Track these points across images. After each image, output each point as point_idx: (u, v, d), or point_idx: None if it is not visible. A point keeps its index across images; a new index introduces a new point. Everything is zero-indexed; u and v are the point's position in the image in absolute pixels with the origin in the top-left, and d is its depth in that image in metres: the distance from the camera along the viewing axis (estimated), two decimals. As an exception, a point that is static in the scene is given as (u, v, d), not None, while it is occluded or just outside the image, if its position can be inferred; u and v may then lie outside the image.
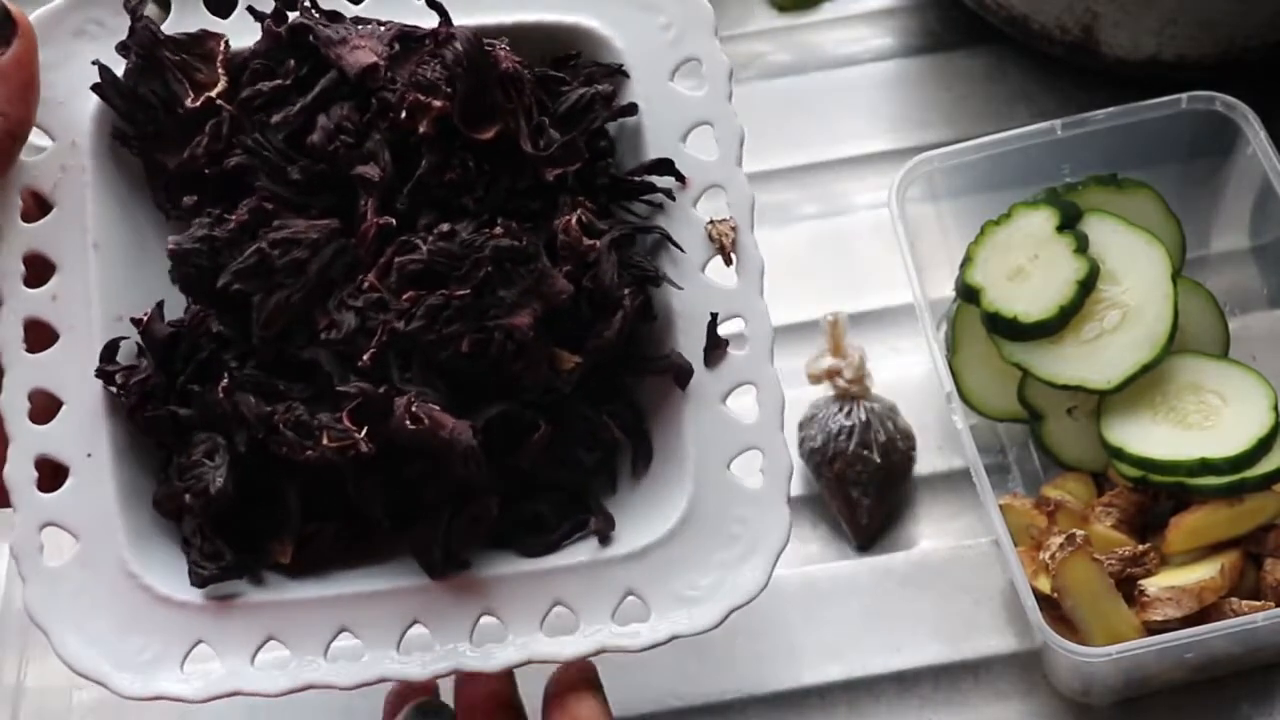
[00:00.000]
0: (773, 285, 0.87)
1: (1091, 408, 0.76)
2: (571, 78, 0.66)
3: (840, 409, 0.79)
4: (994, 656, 0.75)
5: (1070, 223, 0.77)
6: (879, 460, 0.78)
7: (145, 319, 0.62)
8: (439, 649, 0.60)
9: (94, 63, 0.64)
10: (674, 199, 0.65)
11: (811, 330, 0.82)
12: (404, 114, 0.62)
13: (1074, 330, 0.76)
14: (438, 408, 0.59)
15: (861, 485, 0.78)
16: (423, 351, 0.60)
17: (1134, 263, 0.76)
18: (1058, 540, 0.71)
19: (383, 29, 0.64)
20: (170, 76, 0.64)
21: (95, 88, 0.64)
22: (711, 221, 0.65)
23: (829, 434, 0.78)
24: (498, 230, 0.61)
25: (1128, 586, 0.71)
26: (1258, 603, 0.70)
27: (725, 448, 0.63)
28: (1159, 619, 0.70)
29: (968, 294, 0.77)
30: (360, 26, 0.64)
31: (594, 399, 0.64)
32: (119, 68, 0.64)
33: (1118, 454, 0.74)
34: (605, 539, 0.63)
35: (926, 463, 0.80)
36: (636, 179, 0.65)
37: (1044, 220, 0.77)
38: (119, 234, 0.64)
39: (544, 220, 0.63)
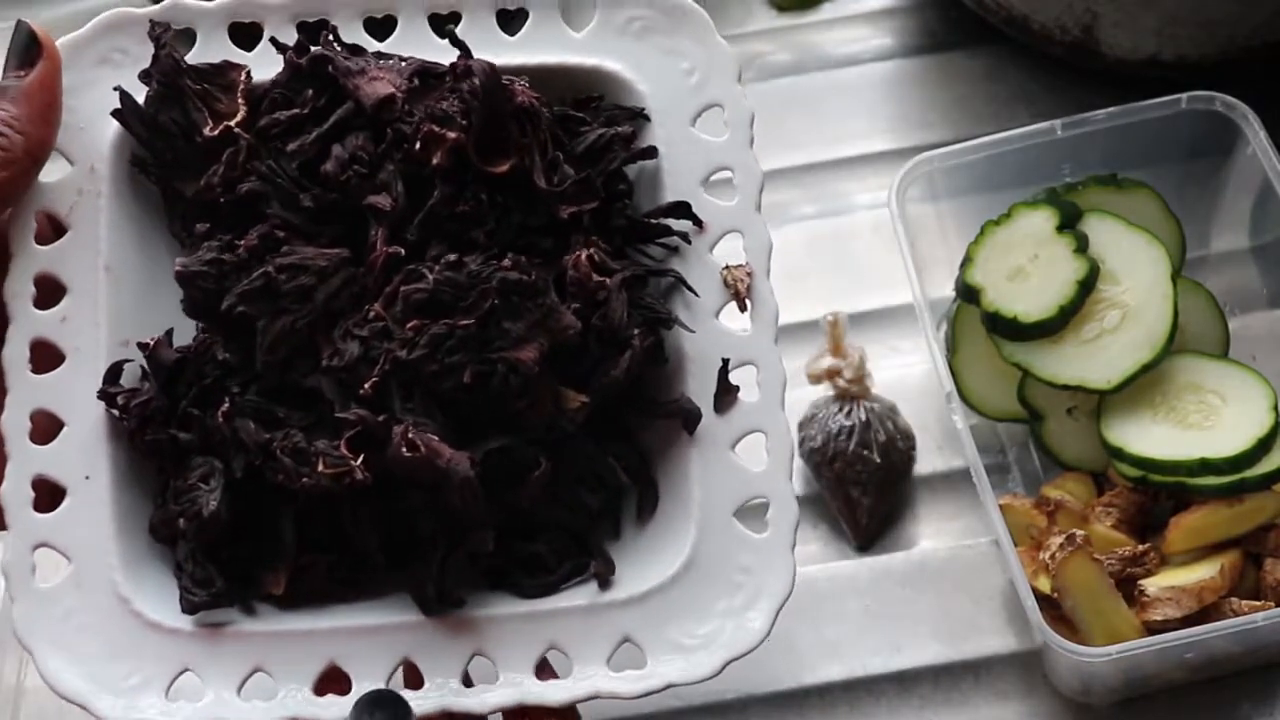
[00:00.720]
0: (773, 285, 0.87)
1: (1091, 408, 0.76)
2: (593, 119, 0.66)
3: (840, 409, 0.79)
4: (994, 656, 0.75)
5: (1070, 223, 0.77)
6: (879, 460, 0.78)
7: (152, 344, 0.62)
8: (428, 686, 0.60)
9: (115, 89, 0.64)
10: (689, 243, 0.65)
11: (812, 330, 0.82)
12: (418, 145, 0.62)
13: (1074, 330, 0.76)
14: (436, 438, 0.58)
15: (861, 485, 0.78)
16: (424, 382, 0.59)
17: (1134, 263, 0.76)
18: (1058, 540, 0.71)
19: (404, 64, 0.64)
20: (191, 105, 0.64)
21: (116, 114, 0.64)
22: (728, 267, 0.64)
23: (829, 434, 0.79)
24: (506, 263, 0.60)
25: (1128, 586, 0.71)
26: (1257, 602, 0.70)
27: (732, 495, 0.62)
28: (1159, 619, 0.70)
29: (968, 294, 0.77)
30: (381, 61, 0.64)
31: (600, 440, 0.64)
32: (141, 95, 0.64)
33: (1118, 454, 0.74)
34: (605, 583, 0.62)
35: (926, 463, 0.80)
36: (653, 221, 0.65)
37: (1044, 220, 0.77)
38: (132, 259, 0.64)
39: (555, 257, 0.63)
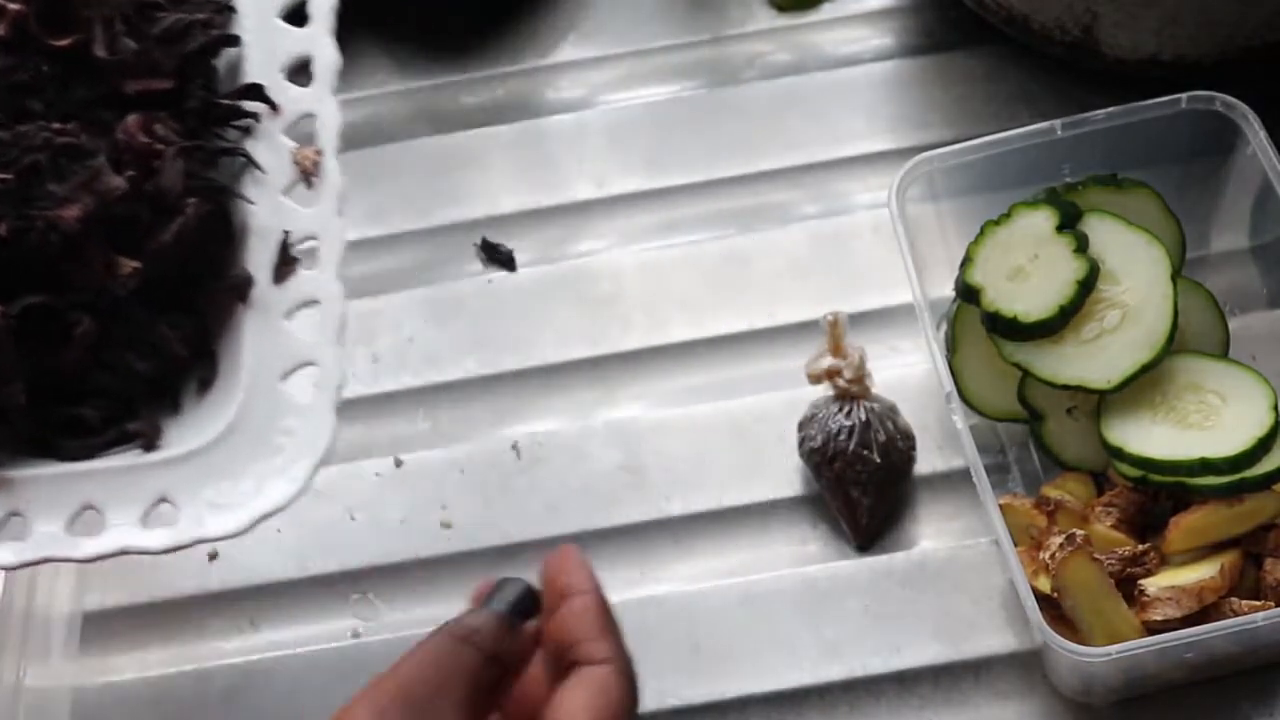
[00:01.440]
0: (773, 285, 0.87)
1: (1091, 407, 0.76)
2: (185, 11, 0.68)
3: (840, 409, 0.79)
4: (994, 656, 0.75)
5: (1070, 223, 0.77)
6: (879, 460, 0.78)
7: None
8: None
9: None
10: (259, 122, 0.68)
11: (811, 330, 0.82)
12: None
13: (1074, 330, 0.76)
14: None
15: (861, 485, 0.78)
16: None
17: (1134, 263, 0.76)
18: (1058, 540, 0.71)
19: None
20: None
21: None
22: (298, 147, 0.67)
23: (829, 434, 0.78)
24: (55, 126, 0.62)
25: (1128, 586, 0.71)
26: (1257, 602, 0.70)
27: (282, 361, 0.64)
28: (1159, 619, 0.70)
29: (968, 294, 0.77)
30: None
31: (157, 309, 0.65)
32: None
33: (1118, 454, 0.74)
34: (150, 447, 0.63)
35: (926, 463, 0.80)
36: (226, 103, 0.68)
37: (1044, 220, 0.77)
38: None
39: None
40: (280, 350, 0.64)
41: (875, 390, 0.80)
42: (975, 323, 0.78)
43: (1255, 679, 0.73)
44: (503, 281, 0.89)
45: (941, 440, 0.81)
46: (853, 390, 0.79)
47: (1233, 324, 0.79)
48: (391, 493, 0.82)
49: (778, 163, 0.92)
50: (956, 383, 0.77)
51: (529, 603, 0.55)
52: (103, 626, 0.80)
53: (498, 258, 0.90)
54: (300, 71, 0.70)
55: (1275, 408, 0.73)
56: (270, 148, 0.68)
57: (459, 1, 0.99)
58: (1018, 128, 0.80)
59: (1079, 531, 0.71)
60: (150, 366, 0.65)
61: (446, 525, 0.81)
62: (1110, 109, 0.79)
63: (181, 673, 0.78)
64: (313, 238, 0.66)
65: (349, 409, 0.85)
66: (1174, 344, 0.75)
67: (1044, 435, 0.77)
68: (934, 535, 0.79)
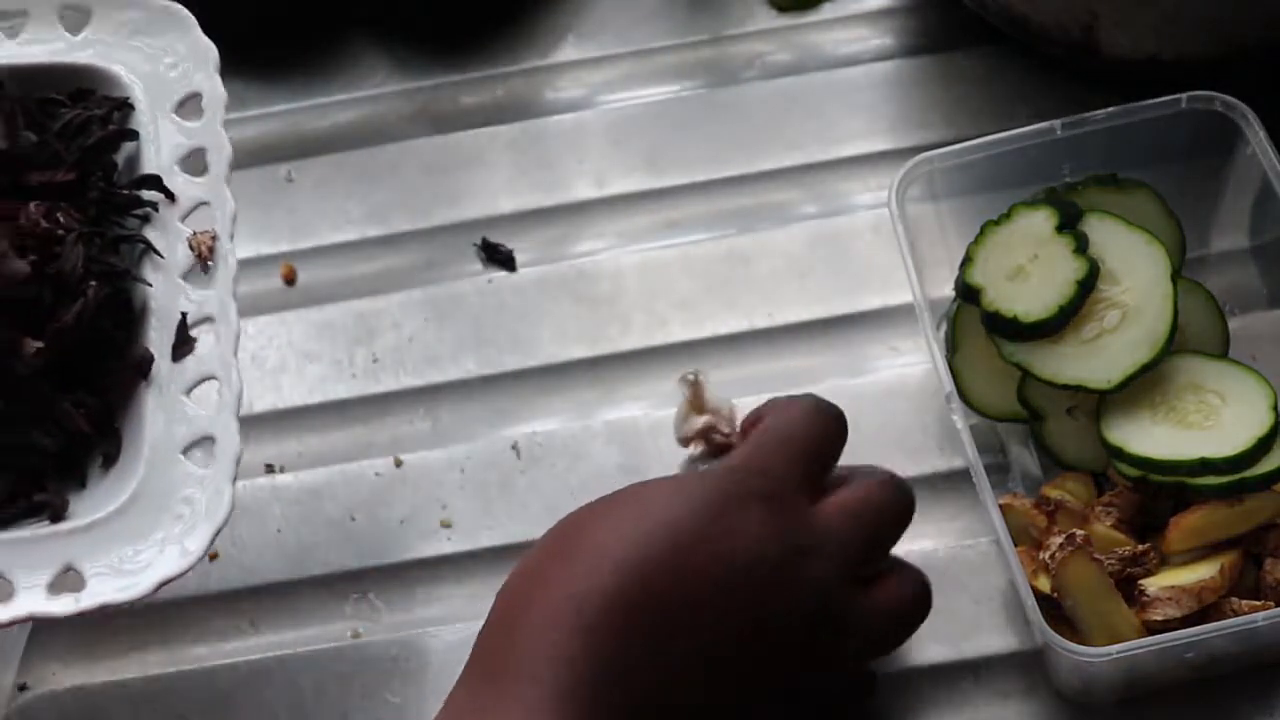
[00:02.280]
0: (773, 285, 0.87)
1: (1091, 407, 0.76)
2: (85, 108, 0.74)
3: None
4: (994, 656, 0.75)
5: (1070, 223, 0.77)
6: None
7: None
8: None
9: None
10: (157, 211, 0.72)
11: (811, 330, 0.82)
12: None
13: (1074, 330, 0.76)
14: None
15: None
16: None
17: (1134, 263, 0.76)
18: (1058, 540, 0.71)
19: None
20: None
21: None
22: (195, 233, 0.71)
23: None
24: None
25: (1128, 586, 0.71)
26: (1258, 602, 0.70)
27: (182, 435, 0.67)
28: (1159, 619, 0.70)
29: (967, 294, 0.77)
30: None
31: (62, 387, 0.68)
32: None
33: (1118, 454, 0.74)
34: (57, 517, 0.66)
35: (927, 463, 0.80)
36: (125, 193, 0.72)
37: (1044, 220, 0.77)
38: None
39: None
40: (180, 425, 0.68)
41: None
42: (975, 323, 0.78)
43: (1256, 679, 0.72)
44: (503, 281, 0.89)
45: (941, 440, 0.81)
46: (732, 442, 0.78)
47: (1233, 324, 0.79)
48: (391, 493, 0.82)
49: (778, 163, 0.92)
50: (956, 383, 0.77)
51: None
52: (102, 626, 0.80)
53: (498, 258, 0.90)
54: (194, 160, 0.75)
55: (1275, 408, 0.73)
56: (167, 233, 0.72)
57: (459, 1, 0.99)
58: (1018, 128, 0.80)
59: (1079, 532, 0.71)
60: (55, 443, 0.68)
61: (446, 525, 0.81)
62: (1110, 109, 0.79)
63: (181, 673, 0.78)
64: (209, 318, 0.70)
65: (349, 409, 0.85)
66: (1174, 344, 0.75)
67: (1044, 435, 0.77)
68: (934, 535, 0.79)
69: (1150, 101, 0.79)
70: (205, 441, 0.67)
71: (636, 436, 0.83)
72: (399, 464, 0.83)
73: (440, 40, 0.99)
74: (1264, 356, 0.78)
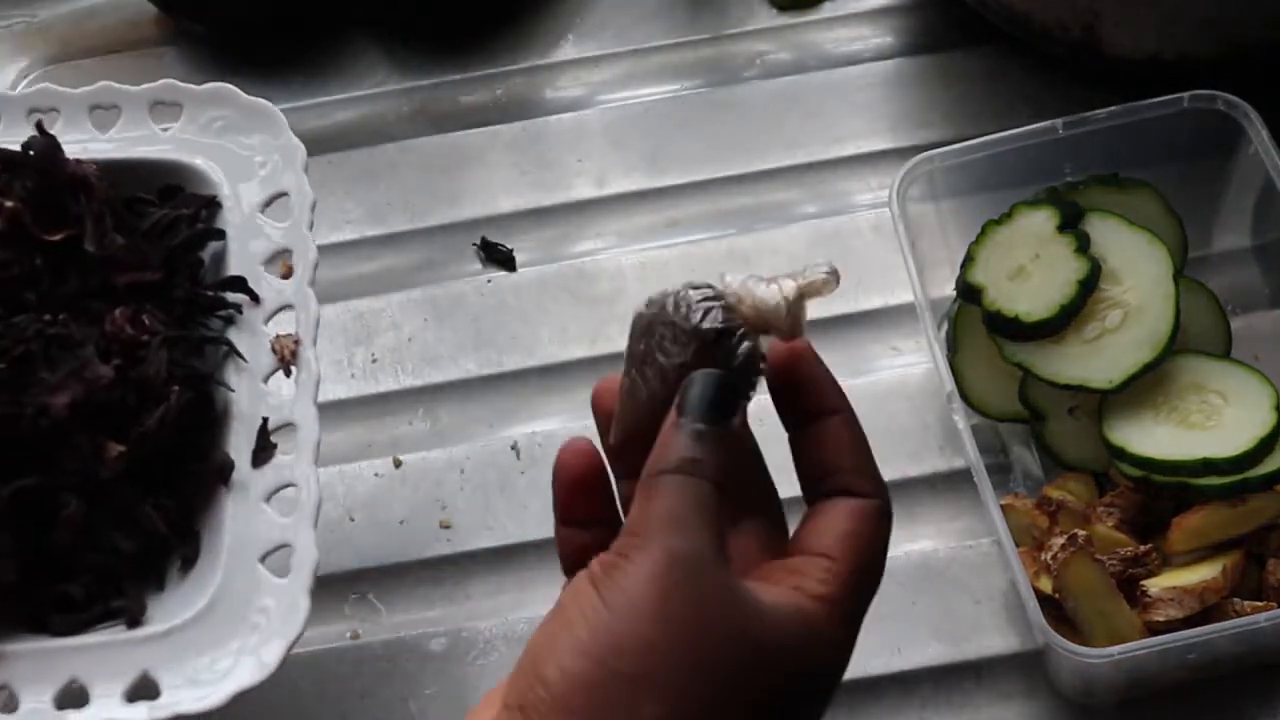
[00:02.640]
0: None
1: (1093, 408, 0.76)
2: (166, 204, 0.73)
3: (718, 308, 0.53)
4: (995, 657, 0.75)
5: (1072, 222, 0.77)
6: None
7: None
8: None
9: None
10: (241, 313, 0.72)
11: (811, 330, 0.81)
12: None
13: (1075, 330, 0.76)
14: None
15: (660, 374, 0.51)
16: None
17: (1136, 262, 0.76)
18: (1059, 541, 0.71)
19: None
20: None
21: None
22: (278, 337, 0.70)
23: (680, 305, 0.53)
24: (46, 318, 0.67)
25: (1129, 587, 0.71)
26: (1260, 603, 0.70)
27: (260, 543, 0.67)
28: (1161, 619, 0.69)
29: (969, 293, 0.77)
30: None
31: (143, 489, 0.68)
32: None
33: (1119, 454, 0.74)
34: (134, 623, 0.66)
35: (928, 463, 0.80)
36: (210, 294, 0.72)
37: (1045, 220, 0.77)
38: None
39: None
40: (258, 532, 0.67)
41: (877, 392, 0.80)
42: (976, 322, 0.77)
43: (1257, 680, 0.72)
44: (502, 281, 0.89)
45: (943, 440, 0.81)
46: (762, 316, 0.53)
47: (1235, 324, 0.79)
48: (391, 493, 0.82)
49: (778, 162, 0.92)
50: (958, 383, 0.77)
51: (731, 398, 0.48)
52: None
53: (497, 257, 0.90)
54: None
55: (1277, 408, 0.73)
56: (251, 336, 0.71)
57: (459, 1, 0.99)
58: (1019, 127, 0.80)
59: (1081, 532, 0.71)
60: (135, 545, 0.68)
61: (446, 525, 0.81)
62: (1112, 108, 0.79)
63: (181, 674, 0.78)
64: (290, 424, 0.69)
65: (349, 409, 0.85)
66: (1176, 344, 0.75)
67: (1045, 435, 0.77)
68: (935, 535, 0.79)
69: (1152, 101, 0.79)
70: (282, 549, 0.67)
71: (637, 437, 0.83)
72: (399, 464, 0.83)
73: (440, 40, 0.99)
74: (1266, 356, 0.78)
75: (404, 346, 0.87)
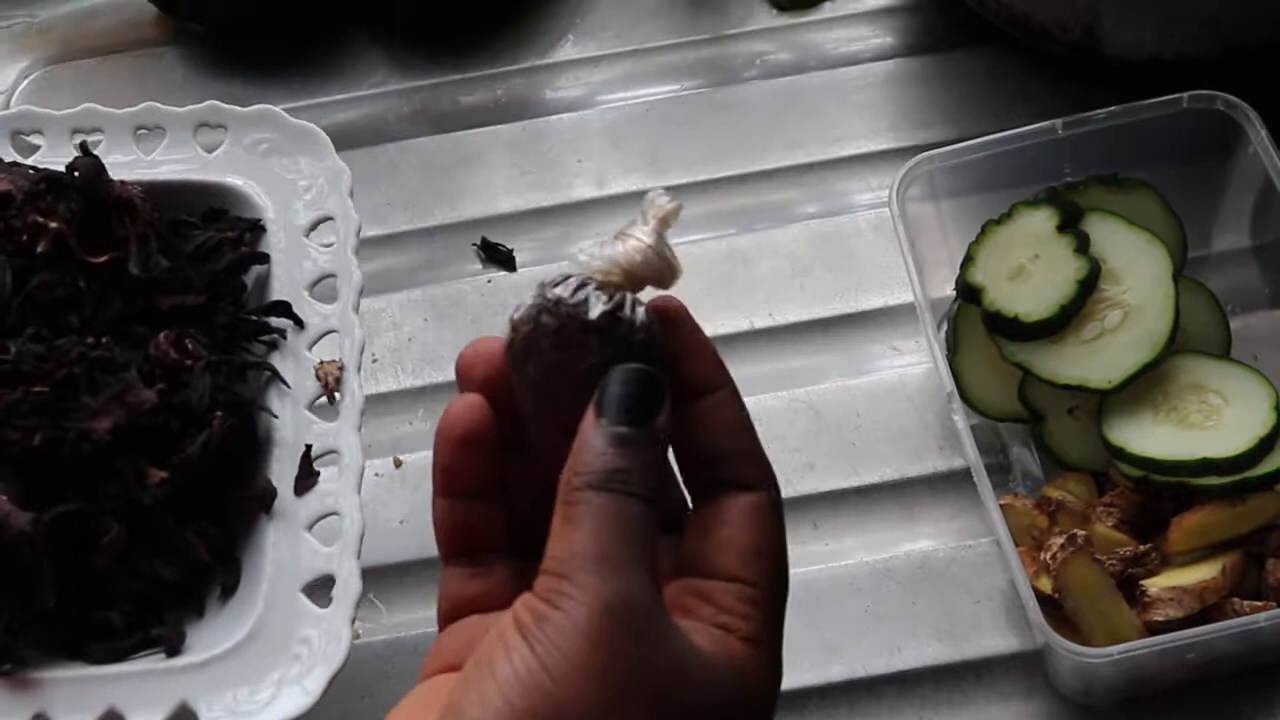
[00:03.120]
0: (773, 285, 0.87)
1: (1093, 407, 0.76)
2: (211, 227, 0.73)
3: (598, 289, 0.48)
4: (995, 657, 0.75)
5: (1071, 222, 0.77)
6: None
7: None
8: None
9: None
10: (285, 339, 0.71)
11: (810, 329, 0.82)
12: (25, 236, 0.67)
13: (1075, 330, 0.75)
14: (4, 498, 0.61)
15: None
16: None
17: (1135, 262, 0.76)
18: (1059, 540, 0.71)
19: (34, 171, 0.70)
20: None
21: None
22: (321, 363, 0.70)
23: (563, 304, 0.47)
24: (89, 341, 0.66)
25: (1129, 587, 0.71)
26: (1259, 603, 0.70)
27: (302, 572, 0.66)
28: (1160, 619, 0.69)
29: (969, 293, 0.77)
30: (15, 168, 0.70)
31: (184, 516, 0.67)
32: None
33: (1119, 454, 0.74)
34: (173, 651, 0.65)
35: (927, 462, 0.80)
36: (254, 319, 0.71)
37: (1045, 220, 0.77)
38: None
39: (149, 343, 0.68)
40: (300, 561, 0.66)
41: (876, 393, 0.79)
42: (976, 322, 0.77)
43: (1257, 679, 0.72)
44: (503, 281, 0.89)
45: (942, 440, 0.81)
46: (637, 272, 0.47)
47: (1234, 324, 0.79)
48: (391, 493, 0.82)
49: (778, 162, 0.92)
50: (957, 382, 0.77)
51: (653, 393, 0.43)
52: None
53: (497, 257, 0.90)
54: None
55: (1277, 407, 0.73)
56: (295, 361, 0.71)
57: (459, 1, 0.99)
58: (1018, 127, 0.80)
59: (1080, 532, 0.71)
60: (175, 572, 0.67)
61: (446, 525, 0.81)
62: (1111, 108, 0.79)
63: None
64: (334, 451, 0.68)
65: (348, 409, 0.85)
66: (1175, 344, 0.75)
67: (1045, 435, 0.77)
68: (934, 535, 0.79)
69: (1151, 101, 0.79)
70: (324, 580, 0.66)
71: (636, 436, 0.83)
72: (399, 464, 0.83)
73: (440, 40, 0.99)
74: (1265, 356, 0.78)
75: (404, 346, 0.87)
